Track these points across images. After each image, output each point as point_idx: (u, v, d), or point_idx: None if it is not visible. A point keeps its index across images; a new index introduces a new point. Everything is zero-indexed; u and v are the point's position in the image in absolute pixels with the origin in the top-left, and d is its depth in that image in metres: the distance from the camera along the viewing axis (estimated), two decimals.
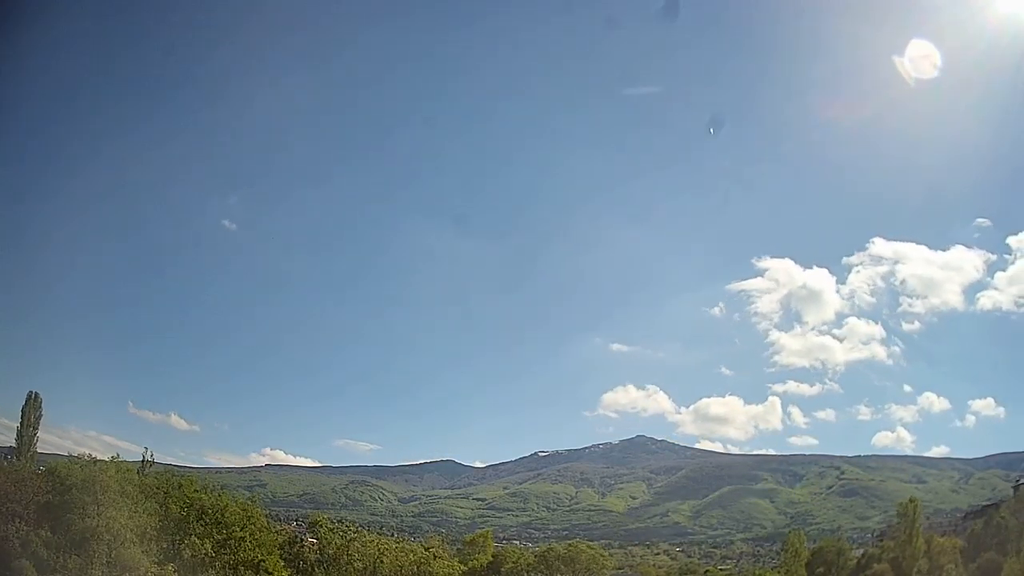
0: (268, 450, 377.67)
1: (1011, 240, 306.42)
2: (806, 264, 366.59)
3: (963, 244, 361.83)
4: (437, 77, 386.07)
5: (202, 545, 51.33)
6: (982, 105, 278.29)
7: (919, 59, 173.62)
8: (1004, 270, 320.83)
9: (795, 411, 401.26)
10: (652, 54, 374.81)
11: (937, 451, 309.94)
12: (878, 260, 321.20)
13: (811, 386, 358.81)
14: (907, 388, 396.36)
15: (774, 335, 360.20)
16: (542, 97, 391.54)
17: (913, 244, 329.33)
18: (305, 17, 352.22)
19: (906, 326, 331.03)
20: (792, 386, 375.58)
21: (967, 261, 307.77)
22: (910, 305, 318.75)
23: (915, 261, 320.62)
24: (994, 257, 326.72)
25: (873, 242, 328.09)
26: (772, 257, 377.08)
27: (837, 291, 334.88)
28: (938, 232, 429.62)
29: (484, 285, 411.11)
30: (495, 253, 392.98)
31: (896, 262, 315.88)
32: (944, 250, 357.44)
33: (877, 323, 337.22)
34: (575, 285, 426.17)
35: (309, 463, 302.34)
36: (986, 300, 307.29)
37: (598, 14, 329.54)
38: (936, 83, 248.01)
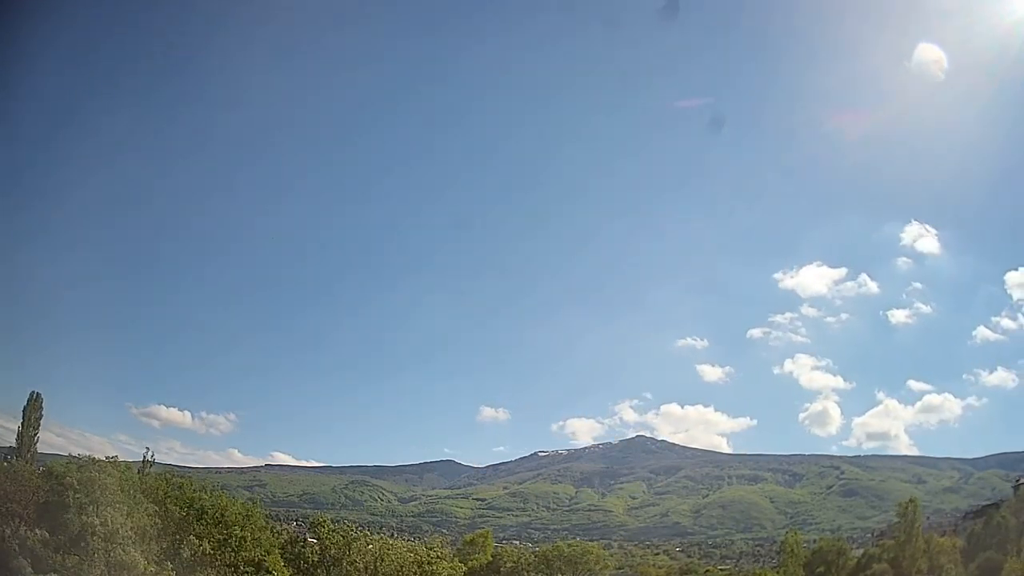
0: (268, 450, 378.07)
1: None
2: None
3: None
4: (440, 77, 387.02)
5: (201, 545, 51.32)
6: (990, 108, 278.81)
7: (926, 63, 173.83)
8: None
9: None
10: (656, 61, 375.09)
11: (937, 451, 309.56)
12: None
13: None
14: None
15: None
16: (547, 103, 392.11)
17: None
18: (306, 14, 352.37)
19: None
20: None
21: None
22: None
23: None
24: None
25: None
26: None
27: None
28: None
29: (486, 285, 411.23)
30: (498, 254, 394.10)
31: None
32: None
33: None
34: (577, 287, 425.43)
35: (309, 463, 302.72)
36: None
37: (602, 17, 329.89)
38: (943, 86, 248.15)
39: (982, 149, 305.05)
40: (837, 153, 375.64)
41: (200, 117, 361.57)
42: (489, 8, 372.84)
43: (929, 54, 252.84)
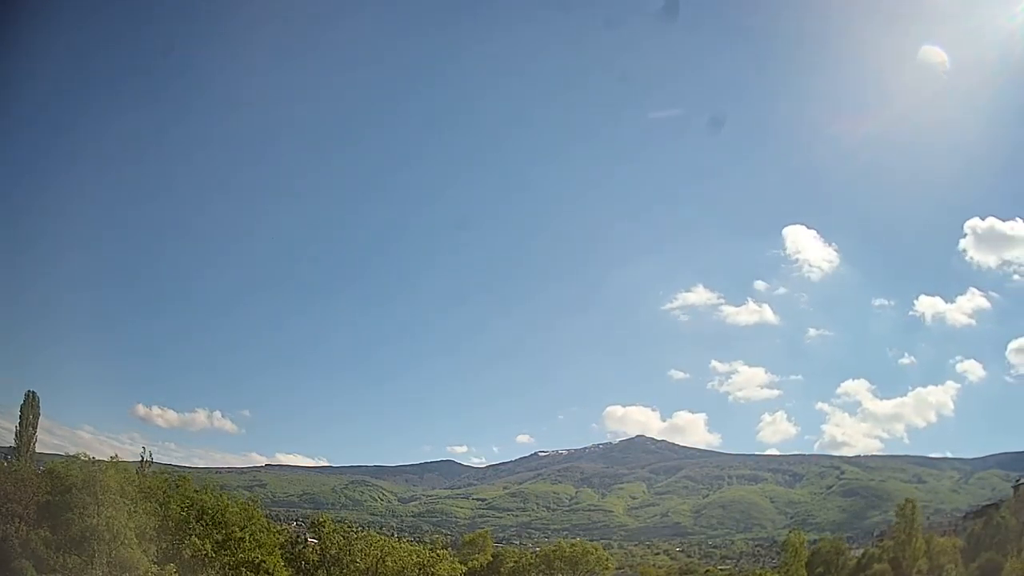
0: (268, 450, 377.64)
1: None
2: None
3: None
4: (440, 77, 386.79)
5: (202, 545, 51.35)
6: (992, 111, 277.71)
7: (930, 65, 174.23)
8: None
9: None
10: (657, 64, 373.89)
11: (937, 451, 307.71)
12: None
13: None
14: None
15: None
16: (552, 109, 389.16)
17: None
18: (306, 14, 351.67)
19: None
20: None
21: None
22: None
23: None
24: None
25: None
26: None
27: None
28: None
29: (487, 287, 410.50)
30: (500, 255, 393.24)
31: None
32: None
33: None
34: (577, 288, 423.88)
35: (309, 463, 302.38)
36: None
37: (603, 17, 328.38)
38: (946, 88, 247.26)
39: (983, 152, 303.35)
40: (842, 154, 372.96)
41: (200, 118, 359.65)
42: (489, 8, 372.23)
43: (933, 56, 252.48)
